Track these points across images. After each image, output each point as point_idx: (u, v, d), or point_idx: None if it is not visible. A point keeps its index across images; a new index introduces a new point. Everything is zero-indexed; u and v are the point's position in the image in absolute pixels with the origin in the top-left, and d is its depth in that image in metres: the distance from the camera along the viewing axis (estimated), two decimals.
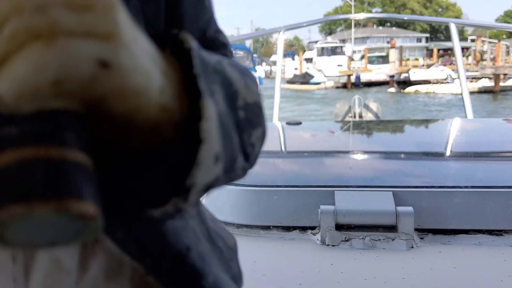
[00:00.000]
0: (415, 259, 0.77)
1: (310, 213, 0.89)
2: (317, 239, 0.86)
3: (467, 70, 23.23)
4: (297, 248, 0.83)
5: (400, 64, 24.90)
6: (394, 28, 56.14)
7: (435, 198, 0.87)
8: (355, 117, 3.24)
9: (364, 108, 3.30)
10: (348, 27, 46.03)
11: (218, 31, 0.36)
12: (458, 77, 2.21)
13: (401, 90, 20.15)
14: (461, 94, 2.15)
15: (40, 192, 0.17)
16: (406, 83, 20.33)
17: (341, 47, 32.33)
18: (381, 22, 60.10)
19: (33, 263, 0.25)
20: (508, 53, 20.13)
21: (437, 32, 65.96)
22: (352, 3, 50.50)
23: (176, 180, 0.24)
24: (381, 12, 65.69)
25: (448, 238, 0.84)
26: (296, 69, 29.84)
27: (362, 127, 1.96)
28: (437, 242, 0.83)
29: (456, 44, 2.24)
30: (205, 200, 0.93)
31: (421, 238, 0.85)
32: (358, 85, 23.29)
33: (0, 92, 0.18)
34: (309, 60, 32.33)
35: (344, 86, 23.94)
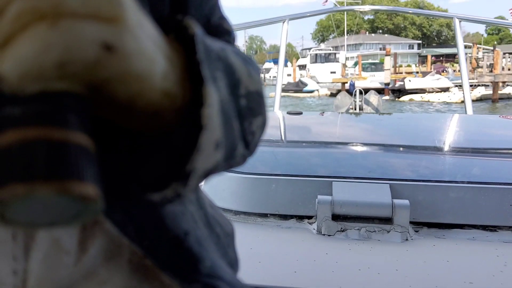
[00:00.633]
0: (409, 251, 0.78)
1: (307, 202, 0.89)
2: (314, 229, 0.86)
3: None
4: (293, 236, 0.84)
5: (395, 72, 24.60)
6: (386, 35, 56.28)
7: (431, 192, 0.88)
8: (355, 109, 3.19)
9: (365, 100, 3.24)
10: (341, 34, 45.94)
11: (223, 18, 0.36)
12: (460, 72, 2.19)
13: (396, 99, 19.81)
14: (462, 91, 2.14)
15: (42, 173, 0.17)
16: (401, 91, 19.99)
17: (335, 53, 32.08)
18: (373, 29, 60.12)
19: (33, 243, 0.26)
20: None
21: (429, 39, 66.25)
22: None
23: (177, 165, 0.24)
24: (373, 19, 65.87)
25: (442, 232, 0.85)
26: (289, 75, 29.51)
27: (362, 119, 1.95)
28: (431, 236, 0.84)
29: (459, 40, 2.20)
30: (204, 186, 0.93)
31: (416, 231, 0.85)
32: (352, 92, 22.94)
33: (4, 72, 0.18)
34: (302, 67, 32.05)
35: (339, 93, 23.50)
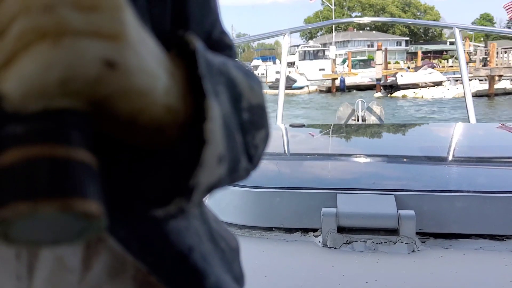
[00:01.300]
0: (417, 262, 0.77)
1: (312, 215, 0.89)
2: (319, 241, 0.85)
3: (454, 72, 22.60)
4: (299, 250, 0.83)
5: (386, 67, 24.05)
6: (374, 32, 56.16)
7: (437, 202, 0.87)
8: (358, 120, 3.21)
9: (367, 111, 3.28)
10: (329, 31, 45.54)
11: (224, 33, 0.36)
12: (462, 82, 2.18)
13: (389, 95, 19.23)
14: (464, 98, 2.13)
15: (45, 191, 0.17)
16: (393, 87, 19.39)
17: (323, 50, 31.72)
18: (361, 26, 60.03)
19: (37, 261, 0.26)
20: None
21: (416, 36, 66.39)
22: (333, 7, 50.16)
23: (180, 180, 0.24)
24: (360, 16, 65.79)
25: (449, 242, 0.84)
26: (277, 72, 28.87)
27: (365, 130, 1.97)
28: (438, 246, 0.83)
29: (460, 48, 2.21)
30: (208, 200, 0.92)
31: (423, 242, 0.84)
32: (343, 89, 22.36)
33: (6, 91, 0.18)
34: (291, 64, 31.56)
35: (329, 90, 23.01)
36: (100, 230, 0.19)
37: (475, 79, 17.37)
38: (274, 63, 33.20)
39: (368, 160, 1.28)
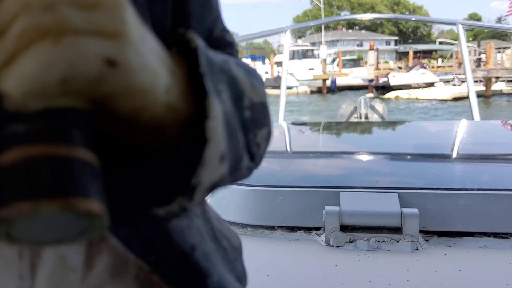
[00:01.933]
0: (420, 261, 0.76)
1: (315, 213, 0.88)
2: (322, 240, 0.85)
3: (446, 73, 22.08)
4: (302, 248, 0.83)
5: (377, 68, 23.46)
6: (363, 31, 55.79)
7: (440, 200, 0.86)
8: (361, 118, 3.21)
9: (370, 109, 3.26)
10: (318, 30, 44.96)
11: (225, 30, 0.36)
12: (466, 80, 2.16)
13: (381, 96, 18.61)
14: (468, 96, 2.11)
15: (47, 190, 0.17)
16: (386, 88, 18.79)
17: (312, 50, 31.11)
18: (350, 25, 59.62)
19: (39, 260, 0.26)
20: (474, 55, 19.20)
21: (405, 35, 66.28)
22: (322, 6, 49.67)
23: (182, 179, 0.24)
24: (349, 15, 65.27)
25: (453, 241, 0.83)
26: (266, 73, 28.17)
27: (368, 127, 1.95)
28: (442, 245, 0.82)
29: (463, 46, 2.19)
30: (210, 199, 0.93)
31: (426, 240, 0.84)
32: (334, 90, 21.70)
33: (7, 90, 0.18)
34: (279, 63, 30.82)
35: (319, 91, 22.33)
36: (102, 229, 0.19)
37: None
38: (264, 62, 32.57)
39: (371, 158, 1.28)
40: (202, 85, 0.24)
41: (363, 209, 0.84)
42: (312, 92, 22.84)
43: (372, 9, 62.45)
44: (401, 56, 49.31)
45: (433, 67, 26.64)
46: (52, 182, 0.17)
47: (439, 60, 39.66)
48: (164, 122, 0.22)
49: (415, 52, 44.91)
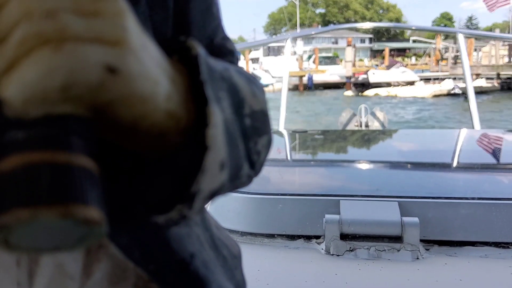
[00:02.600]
0: (421, 270, 0.76)
1: (315, 222, 0.88)
2: (322, 248, 0.84)
3: (423, 71, 21.83)
4: (302, 257, 0.82)
5: (354, 65, 22.99)
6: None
7: (441, 209, 0.86)
8: (361, 126, 3.23)
9: (370, 117, 3.27)
10: (293, 27, 44.46)
11: (226, 38, 0.37)
12: (465, 87, 2.16)
13: (360, 93, 18.08)
14: (468, 105, 2.11)
15: (46, 197, 0.17)
16: (365, 85, 18.30)
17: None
18: (325, 23, 59.47)
19: (37, 268, 0.25)
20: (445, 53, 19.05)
21: (378, 34, 66.81)
22: (297, 3, 49.24)
23: (181, 186, 0.24)
24: (324, 13, 65.35)
25: (454, 250, 0.83)
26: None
27: (368, 136, 1.97)
28: (443, 254, 0.82)
29: (464, 55, 2.20)
30: (209, 207, 0.92)
31: (427, 250, 0.83)
32: (311, 87, 21.07)
33: (8, 97, 0.18)
34: (255, 60, 30.11)
35: (296, 88, 21.67)
36: (100, 237, 0.19)
37: (449, 78, 16.55)
38: (238, 59, 31.62)
39: (371, 166, 1.26)
40: (203, 92, 0.23)
41: (363, 218, 0.83)
42: (289, 89, 22.15)
43: (346, 7, 62.53)
44: (376, 54, 49.43)
45: (407, 65, 26.49)
46: (51, 189, 0.17)
47: (413, 58, 39.86)
48: (165, 130, 0.22)
49: (389, 50, 45.10)
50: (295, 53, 28.10)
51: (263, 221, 0.90)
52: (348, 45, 20.18)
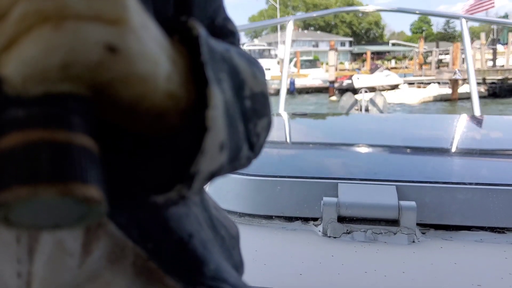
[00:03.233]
0: (416, 253, 0.77)
1: (312, 204, 0.88)
2: (319, 231, 0.85)
3: (405, 75, 21.55)
4: (299, 238, 0.83)
5: (336, 69, 22.55)
6: (318, 32, 55.65)
7: (438, 194, 0.87)
8: (361, 110, 3.32)
9: (370, 102, 3.36)
10: (274, 30, 44.10)
11: (227, 19, 0.36)
12: (467, 74, 2.15)
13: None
14: (470, 90, 2.12)
15: (45, 175, 0.17)
16: (350, 90, 17.80)
17: (269, 50, 29.98)
18: (306, 26, 59.31)
19: (37, 245, 0.26)
20: (427, 57, 18.86)
21: (358, 37, 67.11)
22: (278, 6, 48.90)
23: (181, 167, 0.24)
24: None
25: (450, 234, 0.84)
26: None
27: (368, 120, 1.96)
28: (438, 238, 0.82)
29: (467, 40, 2.17)
30: (208, 188, 0.93)
31: (423, 233, 0.84)
32: (293, 91, 20.51)
33: (7, 74, 0.18)
34: None
35: (277, 93, 21.04)
36: (100, 215, 0.19)
37: (434, 82, 16.21)
38: None
39: (370, 150, 1.27)
40: (203, 73, 0.23)
41: (361, 201, 0.84)
42: (270, 94, 21.49)
43: (326, 9, 62.68)
44: (356, 57, 49.44)
45: (387, 68, 26.31)
46: (51, 167, 0.17)
47: (393, 61, 39.93)
48: (164, 110, 0.22)
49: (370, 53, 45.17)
50: (276, 56, 27.48)
51: (262, 203, 0.90)
52: (331, 48, 19.60)
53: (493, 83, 16.02)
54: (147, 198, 0.24)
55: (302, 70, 25.83)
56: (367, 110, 3.24)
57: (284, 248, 0.78)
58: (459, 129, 1.60)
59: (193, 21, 0.25)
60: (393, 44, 52.91)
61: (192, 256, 0.29)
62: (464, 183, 0.87)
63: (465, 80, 15.72)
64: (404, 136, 1.50)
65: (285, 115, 1.80)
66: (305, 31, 52.96)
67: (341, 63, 37.55)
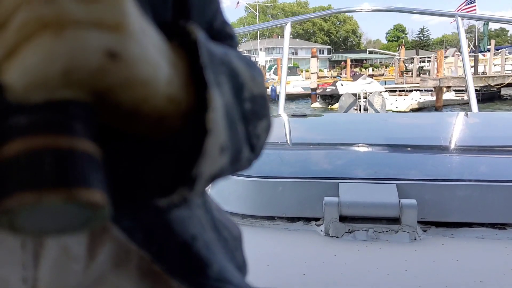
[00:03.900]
0: (418, 251, 0.77)
1: (314, 204, 0.89)
2: (321, 230, 0.85)
3: (386, 82, 21.57)
4: (301, 239, 0.83)
5: (317, 76, 22.38)
6: (297, 40, 55.84)
7: (438, 191, 0.87)
8: (360, 110, 3.51)
9: (369, 101, 3.42)
10: (254, 37, 43.97)
11: (225, 23, 0.36)
12: (464, 71, 2.17)
13: (329, 106, 17.33)
14: (466, 88, 2.12)
15: (49, 181, 0.17)
16: (334, 97, 17.60)
17: (249, 57, 29.57)
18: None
19: (42, 250, 0.26)
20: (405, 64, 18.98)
21: (336, 44, 67.75)
22: (257, 14, 48.89)
23: (183, 170, 0.24)
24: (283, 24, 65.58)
25: (451, 231, 0.83)
26: None
27: (367, 119, 1.99)
28: (440, 235, 0.83)
29: (462, 38, 2.19)
30: (211, 190, 0.93)
31: (424, 231, 0.84)
32: (274, 99, 20.25)
33: (9, 82, 0.18)
34: None
35: None
36: (104, 220, 0.19)
37: (417, 90, 16.17)
38: None
39: (370, 149, 1.27)
40: (203, 77, 0.24)
41: (362, 200, 0.84)
42: None
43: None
44: (335, 64, 49.75)
45: (370, 76, 26.45)
46: (54, 173, 0.17)
47: (370, 68, 40.32)
48: (165, 114, 0.22)
49: (346, 61, 45.62)
50: (256, 63, 27.14)
51: (264, 204, 0.91)
52: (313, 56, 19.39)
53: (476, 90, 16.05)
54: (150, 202, 0.24)
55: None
56: (366, 109, 3.28)
57: (286, 249, 0.80)
58: (457, 126, 1.61)
59: (192, 25, 0.25)
60: (370, 52, 53.57)
61: (195, 258, 0.29)
62: (464, 180, 0.88)
63: (449, 88, 15.75)
64: (403, 135, 1.51)
65: (285, 117, 1.81)
66: None
67: (320, 70, 37.66)
